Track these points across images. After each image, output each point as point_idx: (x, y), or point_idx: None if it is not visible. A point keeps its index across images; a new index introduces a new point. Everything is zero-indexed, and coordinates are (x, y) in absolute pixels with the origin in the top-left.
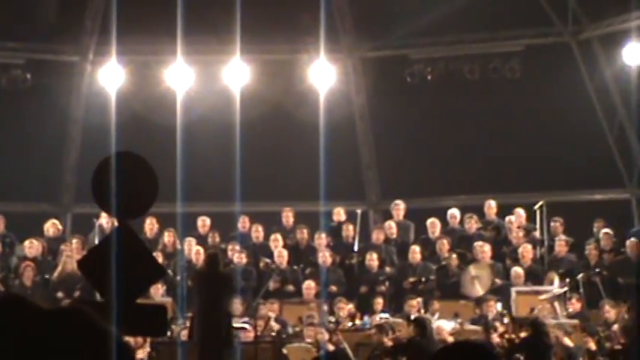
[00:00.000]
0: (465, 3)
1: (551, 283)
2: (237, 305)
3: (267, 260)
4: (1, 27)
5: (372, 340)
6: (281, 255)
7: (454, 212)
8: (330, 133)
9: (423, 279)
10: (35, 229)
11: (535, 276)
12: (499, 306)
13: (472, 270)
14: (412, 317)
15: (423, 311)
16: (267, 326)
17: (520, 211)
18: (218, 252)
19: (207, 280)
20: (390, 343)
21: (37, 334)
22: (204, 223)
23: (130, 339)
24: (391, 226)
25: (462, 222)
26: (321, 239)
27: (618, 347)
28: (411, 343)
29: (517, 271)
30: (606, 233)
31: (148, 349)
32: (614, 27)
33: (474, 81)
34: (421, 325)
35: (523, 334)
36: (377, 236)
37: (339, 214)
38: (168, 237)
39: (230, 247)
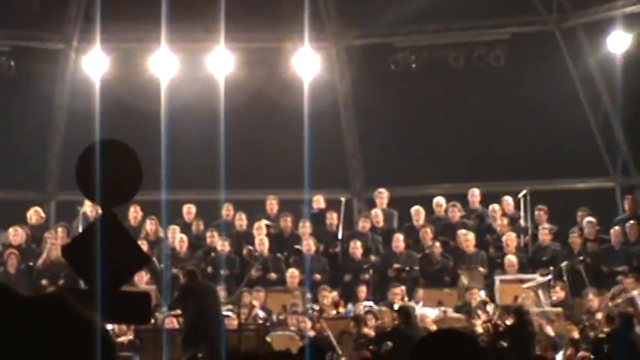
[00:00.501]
0: None
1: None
2: (220, 292)
3: (250, 247)
4: None
5: (352, 330)
6: (262, 243)
7: (439, 200)
8: (314, 121)
9: (407, 268)
10: (20, 217)
11: (518, 264)
12: (482, 294)
13: (464, 280)
14: (397, 306)
15: (407, 299)
16: (250, 314)
17: (508, 199)
18: (194, 268)
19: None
20: (371, 332)
21: (18, 321)
22: (189, 210)
23: (114, 326)
24: (377, 215)
25: (446, 210)
26: (306, 227)
27: (602, 336)
28: (395, 331)
29: (510, 259)
30: (590, 222)
31: (131, 336)
32: (599, 15)
33: (458, 69)
34: (406, 313)
35: (507, 322)
36: (363, 224)
37: (319, 201)
38: (150, 225)
39: (210, 234)
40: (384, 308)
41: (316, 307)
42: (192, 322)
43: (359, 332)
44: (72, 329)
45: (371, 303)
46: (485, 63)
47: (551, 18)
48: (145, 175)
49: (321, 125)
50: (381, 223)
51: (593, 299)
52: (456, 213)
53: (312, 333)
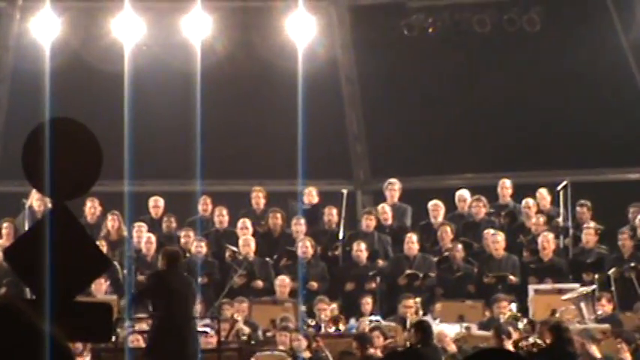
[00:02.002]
0: None
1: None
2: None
3: (234, 249)
4: None
5: (355, 353)
6: (247, 244)
7: (463, 194)
8: (310, 97)
9: (421, 274)
10: None
11: (557, 271)
12: (514, 307)
13: None
14: (413, 321)
15: (421, 313)
16: (232, 330)
17: (543, 192)
18: (177, 250)
19: (172, 281)
20: (379, 354)
21: None
22: (156, 204)
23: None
24: (385, 211)
25: (470, 206)
26: (300, 225)
27: None
28: (409, 352)
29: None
30: None
31: (88, 357)
32: None
33: (484, 35)
34: (423, 330)
35: (542, 342)
36: (367, 222)
37: (311, 194)
38: (112, 221)
39: (184, 233)
40: (393, 324)
41: (312, 323)
42: (160, 330)
43: (363, 354)
44: (24, 341)
45: (378, 318)
46: (517, 27)
47: None
48: (106, 162)
49: (319, 102)
50: (390, 221)
51: None
52: (481, 209)
53: (306, 354)
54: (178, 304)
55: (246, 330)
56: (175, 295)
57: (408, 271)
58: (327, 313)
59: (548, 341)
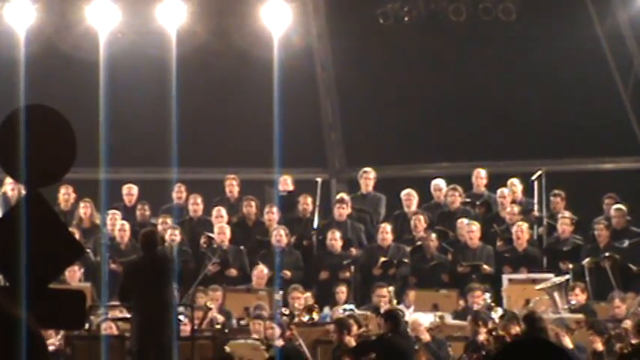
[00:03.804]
0: None
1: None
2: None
3: (211, 235)
4: None
5: (332, 338)
6: (222, 232)
7: (439, 183)
8: (285, 85)
9: (395, 261)
10: None
11: (532, 261)
12: (487, 297)
13: None
14: (383, 310)
15: (395, 302)
16: (205, 318)
17: (515, 182)
18: (154, 230)
19: (145, 267)
20: (353, 342)
21: None
22: (129, 191)
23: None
24: (344, 200)
25: (446, 195)
26: (273, 213)
27: (630, 348)
28: (380, 340)
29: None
30: (618, 209)
31: (60, 343)
32: None
33: (460, 23)
34: (393, 318)
35: (515, 331)
36: (339, 212)
37: (286, 182)
38: (84, 209)
39: (161, 220)
40: (368, 313)
41: (286, 312)
42: (139, 320)
43: (340, 339)
44: None
45: (352, 307)
46: (492, 17)
47: None
48: (80, 150)
49: (294, 90)
50: (347, 211)
51: (619, 306)
52: (457, 198)
53: (280, 342)
54: (151, 291)
55: (220, 318)
56: (149, 283)
57: (382, 259)
58: (301, 302)
59: (521, 331)
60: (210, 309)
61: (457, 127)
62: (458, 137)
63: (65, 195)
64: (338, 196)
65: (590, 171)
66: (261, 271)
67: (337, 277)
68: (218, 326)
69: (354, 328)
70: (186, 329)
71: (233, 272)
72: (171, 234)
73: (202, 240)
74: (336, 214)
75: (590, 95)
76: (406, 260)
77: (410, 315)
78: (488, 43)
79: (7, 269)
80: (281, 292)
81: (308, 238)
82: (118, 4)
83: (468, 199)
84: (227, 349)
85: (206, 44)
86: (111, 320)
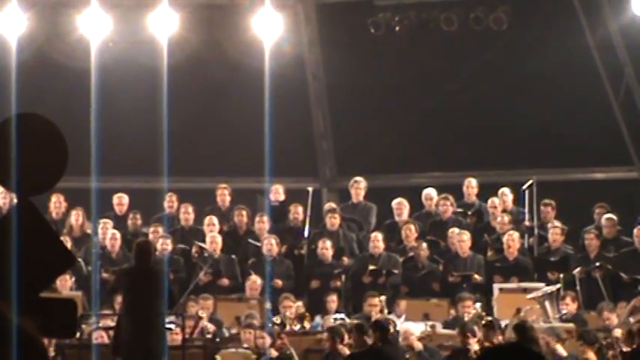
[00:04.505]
0: None
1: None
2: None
3: (203, 245)
4: None
5: (324, 346)
6: (214, 241)
7: (430, 193)
8: (276, 95)
9: (384, 271)
10: None
11: (522, 270)
12: (478, 306)
13: None
14: (371, 321)
15: (386, 311)
16: (197, 328)
17: (506, 192)
18: (148, 241)
19: (138, 277)
20: (346, 350)
21: None
22: (120, 201)
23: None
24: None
25: (437, 205)
26: (263, 222)
27: (621, 358)
28: (370, 351)
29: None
30: (609, 219)
31: (52, 352)
32: None
33: (451, 33)
34: (381, 328)
35: (497, 340)
36: (331, 221)
37: (278, 192)
38: (75, 218)
39: (152, 229)
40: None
41: (277, 320)
42: (124, 327)
43: (333, 347)
44: None
45: (342, 315)
46: (483, 26)
47: None
48: (72, 158)
49: (285, 100)
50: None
51: (609, 315)
52: (449, 207)
53: (272, 352)
54: (142, 301)
55: (211, 327)
56: (140, 292)
57: (371, 267)
58: (292, 311)
59: (512, 340)
60: (201, 318)
61: (448, 137)
62: (449, 147)
63: (56, 204)
64: (329, 206)
65: (581, 180)
66: (255, 281)
67: (328, 286)
68: (209, 335)
69: (346, 336)
70: (177, 338)
71: (225, 282)
72: (163, 243)
73: (194, 250)
74: (328, 224)
75: (581, 105)
76: (396, 271)
77: (401, 324)
78: (480, 52)
79: None
80: (270, 302)
81: (299, 247)
82: (110, 13)
83: (460, 209)
84: (218, 358)
85: (197, 53)
86: (102, 329)
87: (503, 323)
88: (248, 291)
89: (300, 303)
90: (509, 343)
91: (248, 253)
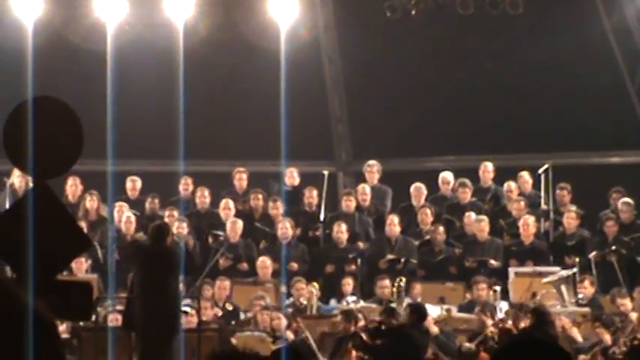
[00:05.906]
0: None
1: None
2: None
3: (219, 233)
4: None
5: (338, 328)
6: (234, 226)
7: (447, 176)
8: (292, 78)
9: (403, 259)
10: None
11: (538, 254)
12: (498, 289)
13: None
14: (409, 303)
15: (403, 294)
16: (213, 310)
17: (525, 176)
18: (165, 223)
19: (152, 256)
20: (362, 333)
21: None
22: (134, 185)
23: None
24: (365, 192)
25: (454, 190)
26: (277, 207)
27: (637, 342)
28: (396, 330)
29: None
30: (626, 204)
31: (67, 335)
32: None
33: (467, 17)
34: (419, 312)
35: (522, 324)
36: (346, 204)
37: (293, 176)
38: (90, 201)
39: (168, 213)
40: (374, 305)
41: (290, 302)
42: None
43: (346, 330)
44: (10, 314)
45: (354, 298)
46: (499, 10)
47: None
48: (87, 141)
49: (301, 83)
50: (368, 202)
51: (623, 299)
52: (467, 194)
53: (290, 335)
54: (153, 281)
55: (229, 307)
56: (154, 272)
57: (390, 256)
58: (305, 294)
59: (528, 324)
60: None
61: (464, 121)
62: (465, 130)
63: (72, 187)
64: (346, 189)
65: (597, 164)
66: (264, 262)
67: (343, 270)
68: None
69: (360, 321)
70: (193, 321)
71: (245, 266)
72: (179, 227)
73: (210, 239)
74: (343, 206)
75: (597, 89)
76: (414, 261)
77: None
78: (496, 36)
79: (15, 261)
80: (286, 285)
81: (314, 230)
82: None
83: (477, 194)
84: (234, 341)
85: (213, 36)
86: (117, 312)
87: None
88: (260, 271)
89: (313, 289)
90: (536, 339)
91: (258, 237)
